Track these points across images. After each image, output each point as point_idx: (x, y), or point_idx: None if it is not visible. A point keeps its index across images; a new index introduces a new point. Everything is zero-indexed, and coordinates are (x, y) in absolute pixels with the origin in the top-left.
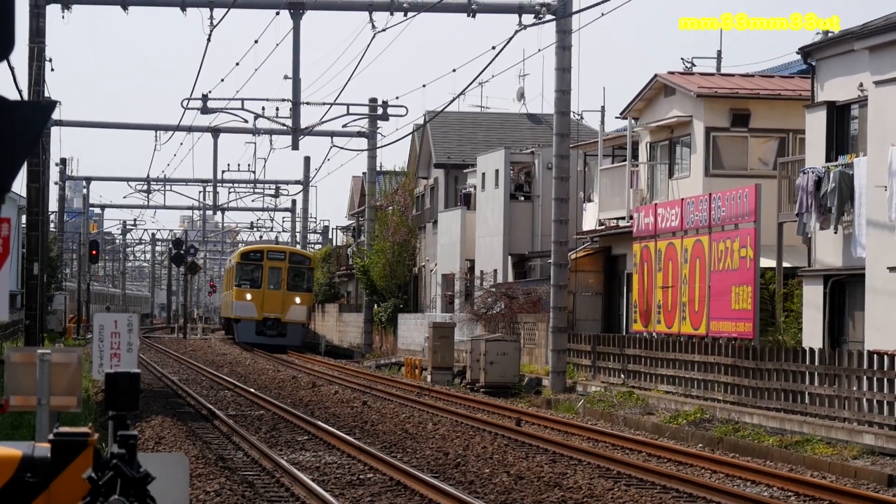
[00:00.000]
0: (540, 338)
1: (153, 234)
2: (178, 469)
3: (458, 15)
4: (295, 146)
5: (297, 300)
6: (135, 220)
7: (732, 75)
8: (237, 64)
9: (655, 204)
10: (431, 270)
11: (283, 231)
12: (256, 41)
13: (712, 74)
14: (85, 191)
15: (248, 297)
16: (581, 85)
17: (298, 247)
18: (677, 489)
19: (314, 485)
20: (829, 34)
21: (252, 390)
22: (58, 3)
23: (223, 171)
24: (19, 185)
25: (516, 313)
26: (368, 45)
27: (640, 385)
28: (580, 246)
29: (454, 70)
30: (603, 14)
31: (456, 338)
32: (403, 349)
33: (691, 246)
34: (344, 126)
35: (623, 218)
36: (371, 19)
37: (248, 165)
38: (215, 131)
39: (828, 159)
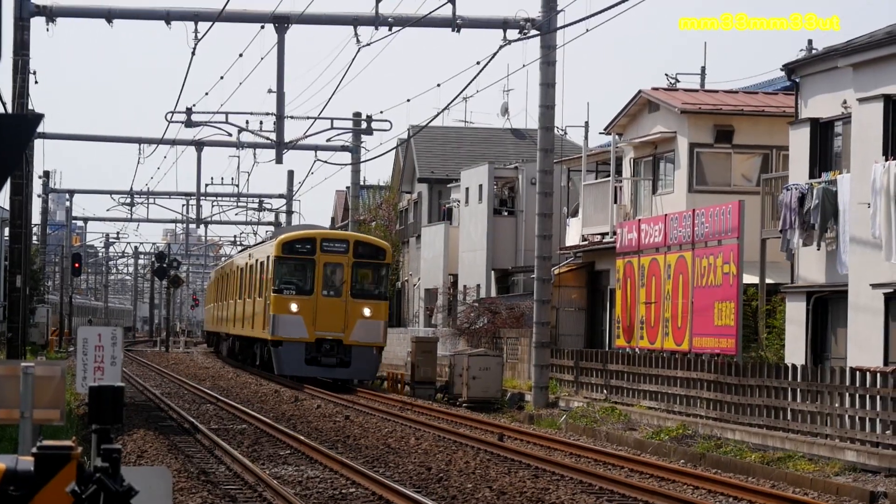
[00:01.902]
0: (523, 353)
1: (136, 248)
2: (161, 482)
3: (443, 30)
4: (279, 160)
5: (367, 312)
6: (118, 233)
7: (716, 91)
8: (221, 77)
9: (639, 219)
10: (415, 285)
11: None
12: (241, 55)
13: (696, 90)
14: (68, 203)
15: (294, 307)
16: (565, 100)
17: None
18: None
19: (296, 499)
20: (814, 51)
21: (234, 404)
22: (42, 16)
23: (207, 185)
24: (2, 197)
25: (499, 328)
26: (353, 60)
27: (622, 401)
28: (563, 261)
29: (438, 85)
30: (588, 30)
31: (439, 352)
32: (386, 363)
33: (674, 262)
34: (328, 140)
35: (606, 233)
36: (356, 33)
37: (232, 179)
38: (199, 145)
39: (811, 176)
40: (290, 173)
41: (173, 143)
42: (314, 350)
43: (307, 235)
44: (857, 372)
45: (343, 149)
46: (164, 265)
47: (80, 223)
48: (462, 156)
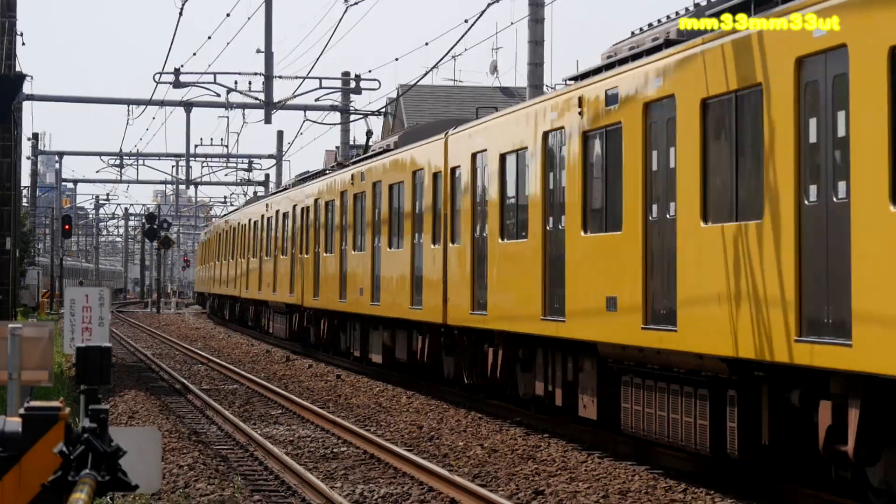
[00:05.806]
0: None
1: (126, 209)
2: (151, 443)
3: None
4: (268, 120)
5: None
6: (108, 194)
7: None
8: (209, 38)
9: None
10: None
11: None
12: (228, 14)
13: None
14: (57, 165)
15: None
16: (554, 58)
17: None
18: (651, 461)
19: (288, 458)
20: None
21: (226, 364)
22: None
23: (196, 146)
24: None
25: None
26: (341, 19)
27: None
28: None
29: (427, 43)
30: None
31: None
32: None
33: None
34: (317, 100)
35: None
36: None
37: (221, 140)
38: (188, 105)
39: None
40: (280, 133)
41: (162, 104)
42: None
43: None
44: None
45: (332, 108)
46: (155, 226)
47: (69, 185)
48: (451, 114)
